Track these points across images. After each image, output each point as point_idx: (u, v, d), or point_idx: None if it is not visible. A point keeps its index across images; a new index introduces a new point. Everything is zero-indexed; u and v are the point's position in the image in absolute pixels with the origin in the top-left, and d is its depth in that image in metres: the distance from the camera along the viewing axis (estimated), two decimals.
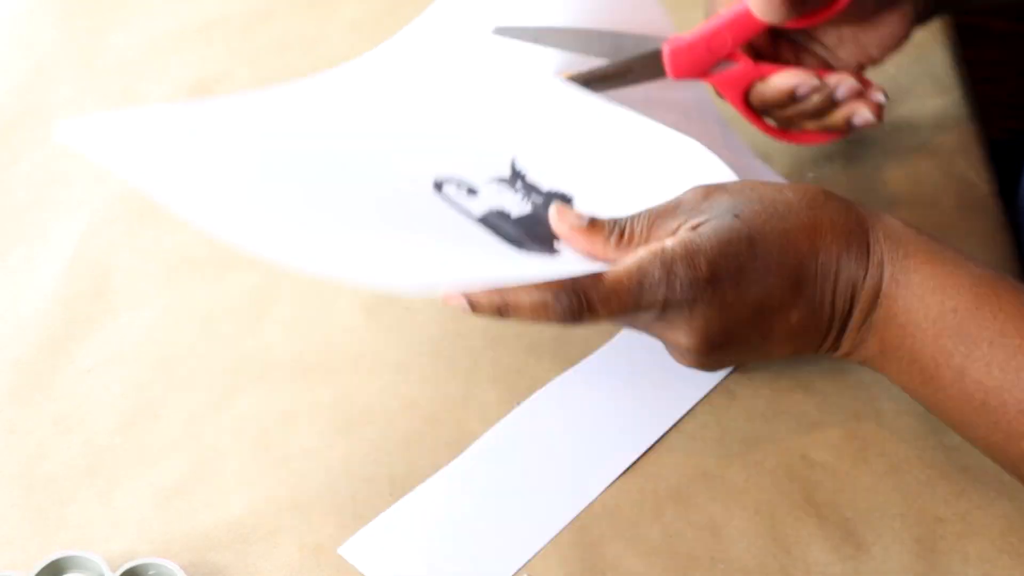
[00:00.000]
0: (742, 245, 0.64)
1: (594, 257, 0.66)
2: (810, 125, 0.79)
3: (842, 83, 0.77)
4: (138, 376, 0.74)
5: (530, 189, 0.70)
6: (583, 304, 0.63)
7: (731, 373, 0.74)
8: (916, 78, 0.91)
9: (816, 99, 0.77)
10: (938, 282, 0.64)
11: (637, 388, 0.73)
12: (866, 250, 0.65)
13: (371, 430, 0.71)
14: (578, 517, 0.68)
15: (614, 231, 0.66)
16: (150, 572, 0.64)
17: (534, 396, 0.73)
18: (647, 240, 0.66)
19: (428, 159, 0.70)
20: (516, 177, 0.70)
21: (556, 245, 0.68)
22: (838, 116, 0.78)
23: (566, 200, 0.71)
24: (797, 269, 0.65)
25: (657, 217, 0.66)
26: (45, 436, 0.71)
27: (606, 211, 0.67)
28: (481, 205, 0.69)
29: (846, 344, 0.67)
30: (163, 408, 0.72)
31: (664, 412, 0.72)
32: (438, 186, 0.69)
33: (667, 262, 0.63)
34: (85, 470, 0.70)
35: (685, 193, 0.67)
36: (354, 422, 0.72)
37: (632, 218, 0.66)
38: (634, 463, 0.70)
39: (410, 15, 0.93)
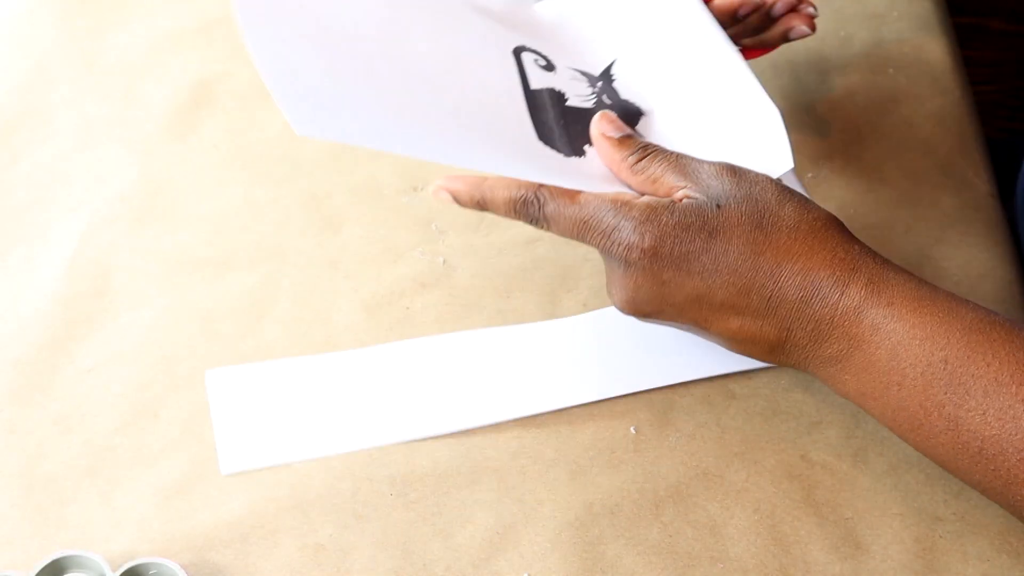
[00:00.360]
0: (700, 234, 0.65)
1: (609, 168, 0.69)
2: (747, 42, 0.81)
3: (779, 0, 0.79)
4: (138, 376, 0.74)
5: (608, 92, 0.72)
6: (539, 211, 0.67)
7: (731, 374, 0.74)
8: (916, 78, 0.91)
9: (755, 18, 0.79)
10: (926, 332, 0.62)
11: (598, 355, 0.74)
12: (841, 290, 0.64)
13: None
14: (578, 516, 0.68)
15: (635, 153, 0.68)
16: (151, 572, 0.64)
17: (486, 330, 0.75)
18: (655, 181, 0.67)
19: (528, 28, 0.73)
20: (604, 78, 0.72)
21: (586, 148, 0.70)
22: (775, 32, 0.81)
23: (636, 114, 0.72)
24: (750, 281, 0.65)
25: (677, 167, 0.67)
26: (45, 436, 0.71)
27: (667, 143, 0.69)
28: (544, 81, 0.71)
29: (815, 371, 0.66)
30: (163, 408, 0.72)
31: (614, 382, 0.73)
32: (518, 51, 0.71)
33: (618, 216, 0.65)
34: (85, 470, 0.70)
35: (712, 163, 0.67)
36: None
37: (659, 152, 0.68)
38: (634, 462, 0.70)
39: None
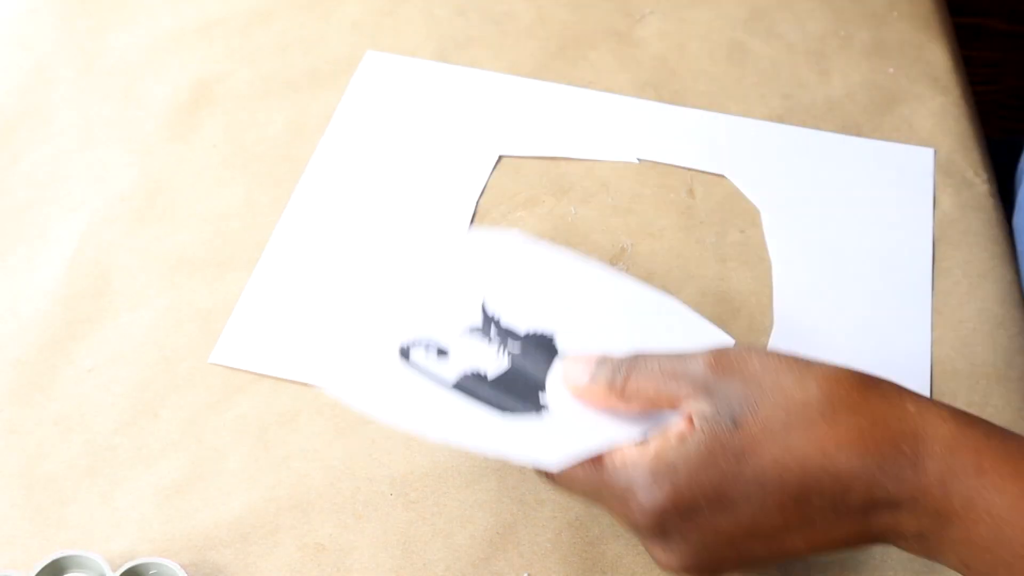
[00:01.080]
0: (728, 461, 0.54)
1: (606, 410, 0.60)
2: None
3: None
4: (138, 376, 0.74)
5: (506, 335, 0.66)
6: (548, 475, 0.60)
7: None
8: (916, 78, 0.91)
9: None
10: None
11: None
12: (913, 465, 0.53)
13: (371, 430, 0.72)
14: (578, 516, 0.68)
15: (617, 382, 0.59)
16: (151, 571, 0.64)
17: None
18: (651, 400, 0.58)
19: (394, 322, 0.67)
20: (489, 323, 0.66)
21: (541, 398, 0.62)
22: None
23: (548, 340, 0.65)
24: (804, 488, 0.54)
25: (667, 373, 0.58)
26: (45, 436, 0.71)
27: (590, 346, 0.63)
28: (453, 369, 0.64)
29: (905, 548, 0.56)
30: (163, 408, 0.72)
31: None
32: (404, 353, 0.65)
33: (628, 477, 0.56)
34: (85, 470, 0.70)
35: (693, 360, 0.57)
36: (354, 422, 0.72)
37: (639, 365, 0.59)
38: None
39: (410, 15, 0.93)
